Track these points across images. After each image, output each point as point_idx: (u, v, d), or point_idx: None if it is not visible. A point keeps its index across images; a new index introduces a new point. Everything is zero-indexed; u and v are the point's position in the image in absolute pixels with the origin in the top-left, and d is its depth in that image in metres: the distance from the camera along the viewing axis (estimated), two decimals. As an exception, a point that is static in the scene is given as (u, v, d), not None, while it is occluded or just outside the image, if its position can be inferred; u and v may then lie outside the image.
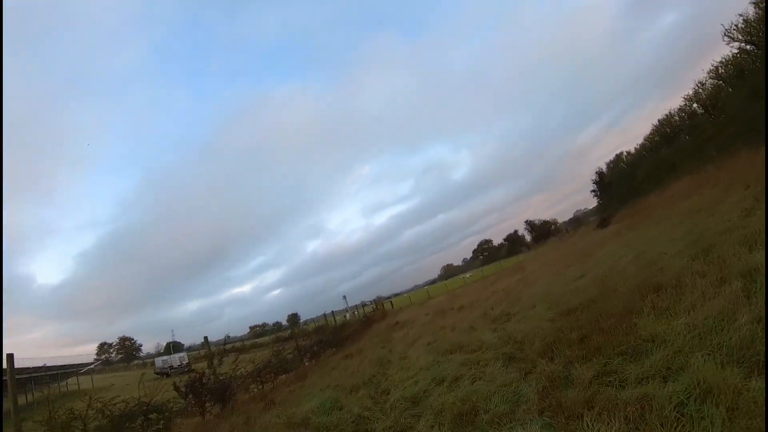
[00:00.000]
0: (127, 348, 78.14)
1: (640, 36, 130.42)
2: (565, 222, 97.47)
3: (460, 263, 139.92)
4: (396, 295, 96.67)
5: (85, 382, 34.15)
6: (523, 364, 5.88)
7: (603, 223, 37.90)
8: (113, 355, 76.57)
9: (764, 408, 2.68)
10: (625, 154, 52.30)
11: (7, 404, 7.48)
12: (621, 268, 10.14)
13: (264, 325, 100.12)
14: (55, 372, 28.26)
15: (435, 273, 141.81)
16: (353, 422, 5.92)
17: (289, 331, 36.09)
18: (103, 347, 76.72)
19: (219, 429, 7.91)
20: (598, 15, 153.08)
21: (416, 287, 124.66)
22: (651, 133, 43.56)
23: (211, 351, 12.30)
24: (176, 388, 10.05)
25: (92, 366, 31.33)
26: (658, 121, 42.09)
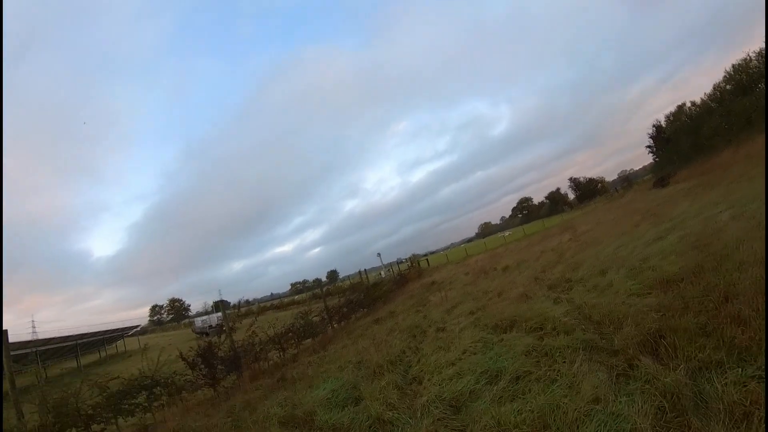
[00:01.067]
0: (177, 309, 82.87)
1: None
2: (611, 181, 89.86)
3: (498, 221, 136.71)
4: (432, 252, 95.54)
5: (132, 343, 35.78)
6: (614, 360, 3.96)
7: (661, 182, 33.57)
8: (164, 315, 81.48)
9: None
10: (688, 106, 44.98)
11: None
12: (718, 228, 7.94)
13: (304, 282, 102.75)
14: (101, 337, 29.29)
15: (472, 231, 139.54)
16: (370, 427, 4.29)
17: (325, 288, 35.45)
18: (155, 309, 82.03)
19: (219, 410, 6.65)
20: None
21: (453, 245, 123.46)
22: (722, 81, 37.07)
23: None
24: (184, 359, 8.99)
25: (138, 328, 32.45)
26: (732, 67, 35.46)
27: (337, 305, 14.70)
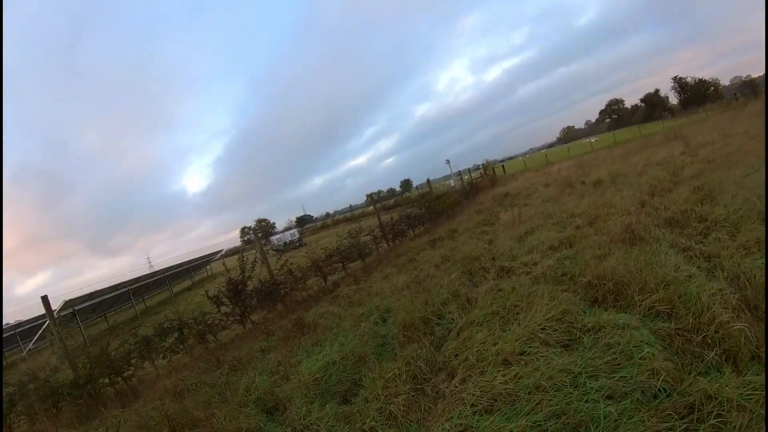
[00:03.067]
0: (263, 228, 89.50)
1: None
2: (724, 87, 68.87)
3: (583, 126, 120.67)
4: (509, 158, 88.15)
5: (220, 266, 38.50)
6: None
7: None
8: (252, 236, 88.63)
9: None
10: None
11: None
12: None
13: (379, 192, 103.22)
14: (189, 266, 31.56)
15: (553, 136, 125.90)
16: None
17: (393, 200, 34.14)
18: (244, 230, 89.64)
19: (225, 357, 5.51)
20: None
21: (532, 150, 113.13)
22: None
23: (260, 241, 9.90)
24: (209, 297, 8.11)
25: (222, 252, 34.65)
26: None
27: (392, 221, 12.92)
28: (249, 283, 8.31)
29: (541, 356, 2.89)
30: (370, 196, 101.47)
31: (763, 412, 2.12)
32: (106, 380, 6.33)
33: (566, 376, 2.58)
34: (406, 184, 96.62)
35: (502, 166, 43.40)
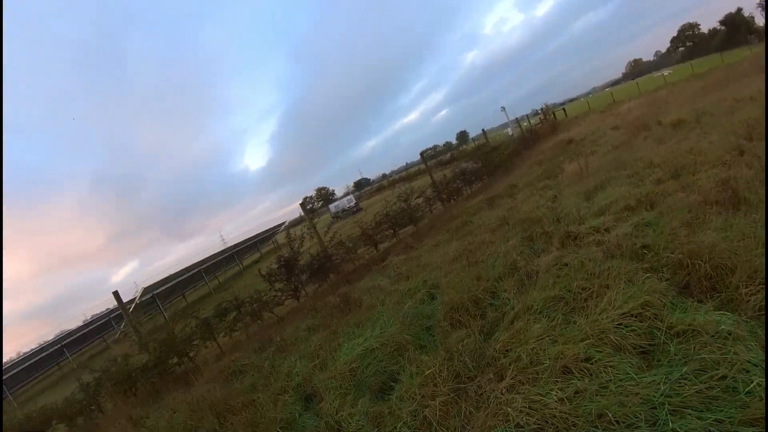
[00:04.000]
0: (323, 196, 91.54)
1: None
2: None
3: (652, 58, 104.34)
4: (570, 100, 79.86)
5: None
6: None
7: None
8: (314, 205, 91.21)
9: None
10: None
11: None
12: None
13: (434, 147, 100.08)
14: (255, 240, 32.93)
15: (618, 71, 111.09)
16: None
17: (449, 153, 32.78)
18: (305, 200, 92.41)
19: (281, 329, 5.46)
20: None
21: (594, 90, 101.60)
22: None
23: (309, 215, 9.78)
24: (261, 275, 8.22)
25: (285, 223, 35.80)
26: None
27: (445, 180, 12.16)
28: (300, 258, 8.27)
29: (611, 367, 2.24)
30: (423, 153, 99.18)
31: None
32: (174, 361, 6.71)
33: (641, 406, 1.94)
34: (463, 136, 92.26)
35: (563, 109, 39.21)
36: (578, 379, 2.25)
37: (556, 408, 2.07)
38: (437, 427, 2.34)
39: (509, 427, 2.06)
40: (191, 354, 6.99)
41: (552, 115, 29.89)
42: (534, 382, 2.33)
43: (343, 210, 32.97)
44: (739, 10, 67.07)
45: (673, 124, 9.81)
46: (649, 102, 19.64)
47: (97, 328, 26.62)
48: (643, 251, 3.46)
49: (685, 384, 1.99)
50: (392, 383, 3.11)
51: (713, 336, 2.21)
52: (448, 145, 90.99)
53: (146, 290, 16.41)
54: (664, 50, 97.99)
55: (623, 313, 2.59)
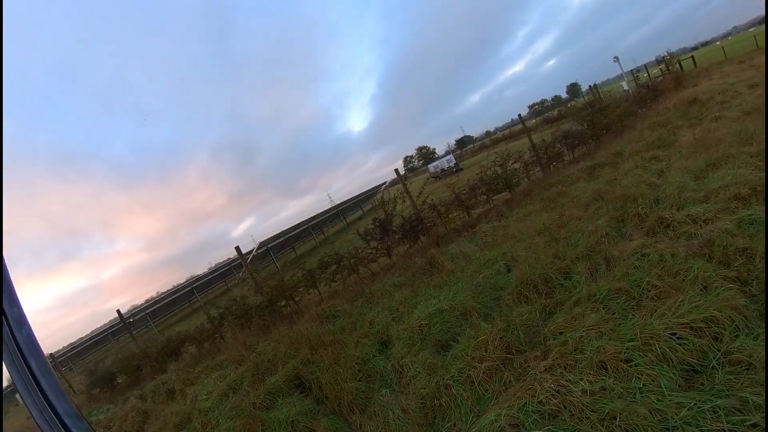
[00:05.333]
0: (424, 154, 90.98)
1: None
2: None
3: None
4: (704, 44, 64.64)
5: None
6: None
7: None
8: (415, 163, 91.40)
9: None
10: None
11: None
12: None
13: (543, 101, 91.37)
14: (358, 199, 34.53)
15: (762, 6, 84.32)
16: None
17: (557, 110, 30.09)
18: (407, 159, 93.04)
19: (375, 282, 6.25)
20: None
21: (735, 30, 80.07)
22: None
23: (405, 183, 10.25)
24: (359, 234, 9.12)
25: (386, 183, 36.72)
26: None
27: (544, 144, 11.53)
28: (394, 219, 8.90)
29: (647, 375, 2.28)
30: (533, 106, 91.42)
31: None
32: (282, 303, 8.08)
33: (655, 422, 1.99)
34: (574, 88, 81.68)
35: (692, 57, 32.11)
36: (609, 377, 2.37)
37: (577, 397, 2.27)
38: (477, 387, 2.73)
39: (533, 403, 2.35)
40: (296, 298, 8.34)
41: (677, 66, 24.89)
42: (570, 369, 2.53)
43: (443, 170, 32.80)
44: None
45: None
46: None
47: (221, 274, 31.75)
48: (736, 256, 3.12)
49: (711, 417, 1.97)
50: (452, 342, 3.55)
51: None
52: (557, 99, 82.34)
53: (262, 244, 19.04)
54: None
55: (682, 323, 2.53)
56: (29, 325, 0.94)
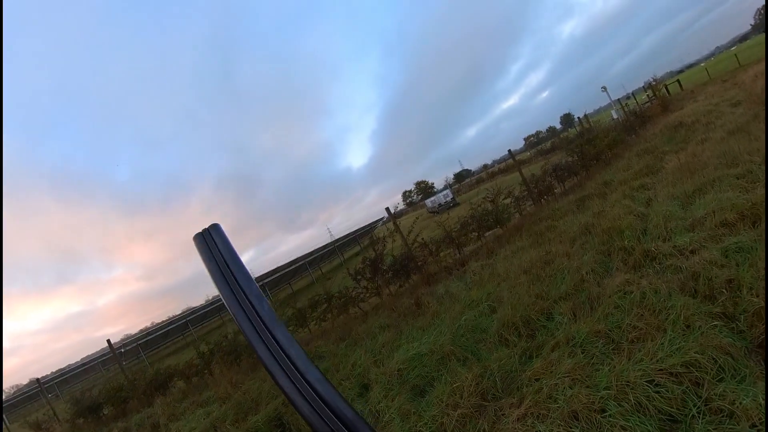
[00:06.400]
0: (423, 189, 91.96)
1: None
2: None
3: None
4: (689, 66, 67.96)
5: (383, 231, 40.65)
6: None
7: None
8: (414, 198, 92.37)
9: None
10: None
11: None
12: None
13: (537, 133, 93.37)
14: (355, 235, 34.60)
15: (746, 23, 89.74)
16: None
17: (549, 142, 30.58)
18: (406, 194, 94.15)
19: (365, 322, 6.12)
20: None
21: (718, 49, 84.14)
22: None
23: (396, 222, 10.27)
24: (349, 273, 9.04)
25: (384, 218, 36.94)
26: None
27: (534, 178, 11.63)
28: (385, 258, 8.86)
29: (620, 427, 2.16)
30: (528, 138, 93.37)
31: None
32: None
33: None
34: (567, 118, 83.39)
35: (678, 81, 33.00)
36: (579, 430, 2.24)
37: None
38: (449, 436, 2.60)
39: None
40: (286, 337, 8.28)
41: (664, 90, 25.43)
42: (542, 418, 2.41)
43: (440, 205, 32.97)
44: None
45: None
46: None
47: (217, 308, 31.26)
48: (722, 290, 3.01)
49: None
50: (429, 388, 3.42)
51: (753, 428, 1.94)
52: (552, 130, 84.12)
53: (257, 279, 18.99)
54: None
55: (661, 369, 2.41)
56: None
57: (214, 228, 0.85)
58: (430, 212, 34.07)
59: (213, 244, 0.83)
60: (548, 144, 29.94)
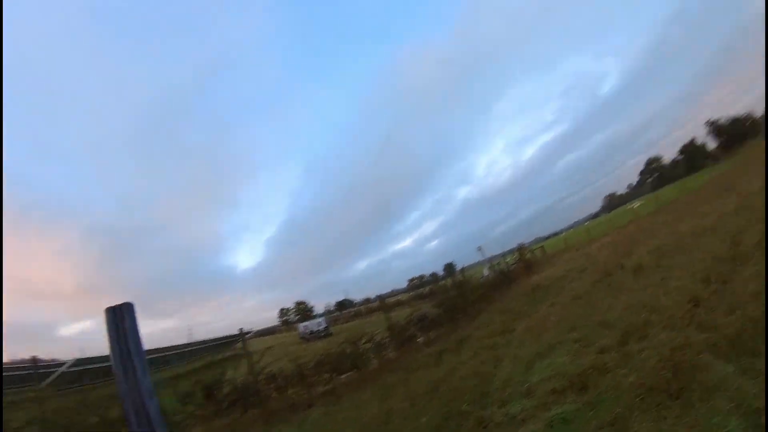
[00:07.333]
0: (302, 311, 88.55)
1: None
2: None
3: (625, 190, 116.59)
4: (554, 234, 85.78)
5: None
6: None
7: None
8: (291, 317, 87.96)
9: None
10: None
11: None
12: None
13: (421, 277, 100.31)
14: (217, 343, 31.01)
15: (597, 205, 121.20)
16: None
17: (427, 288, 32.48)
18: (283, 311, 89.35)
19: None
20: None
21: (576, 223, 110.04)
22: None
23: (245, 346, 9.30)
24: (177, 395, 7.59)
25: (250, 333, 34.06)
26: None
27: (398, 325, 11.82)
28: (225, 386, 7.75)
29: None
30: (411, 280, 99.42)
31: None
32: None
33: None
34: (450, 267, 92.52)
35: (542, 246, 40.35)
36: None
37: None
38: None
39: None
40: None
41: (531, 254, 30.18)
42: None
43: (311, 332, 31.58)
44: (693, 140, 76.81)
45: (633, 269, 9.58)
46: (617, 240, 20.47)
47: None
48: None
49: None
50: None
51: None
52: (434, 276, 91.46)
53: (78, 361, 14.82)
54: (635, 183, 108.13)
55: None
56: None
57: (128, 308, 0.86)
58: (301, 338, 32.18)
59: (122, 325, 0.87)
60: (426, 289, 31.81)
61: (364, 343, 10.58)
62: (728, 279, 5.55)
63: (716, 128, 69.11)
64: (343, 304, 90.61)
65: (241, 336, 9.55)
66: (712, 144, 73.15)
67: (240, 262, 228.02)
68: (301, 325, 36.23)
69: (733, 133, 64.13)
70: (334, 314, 65.53)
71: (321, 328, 32.32)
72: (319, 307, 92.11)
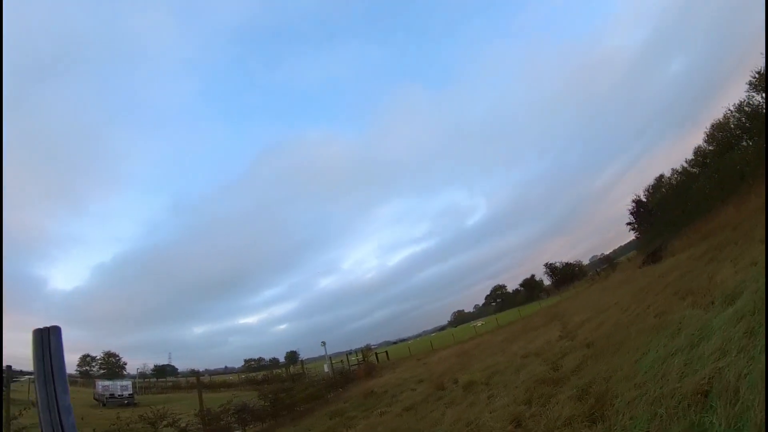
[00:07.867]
0: (111, 364, 72.12)
1: (653, 79, 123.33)
2: (585, 265, 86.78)
3: (472, 309, 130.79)
4: (402, 340, 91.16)
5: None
6: None
7: (653, 257, 27.31)
8: (95, 369, 71.12)
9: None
10: (668, 176, 40.44)
11: None
12: None
13: (260, 359, 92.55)
14: None
15: (446, 318, 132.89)
16: None
17: (261, 374, 30.03)
18: (86, 359, 71.09)
19: None
20: (611, 62, 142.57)
21: (424, 333, 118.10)
22: (703, 143, 33.93)
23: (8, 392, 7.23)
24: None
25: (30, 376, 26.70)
26: (711, 126, 32.28)
27: (212, 412, 10.49)
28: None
29: None
30: (248, 361, 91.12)
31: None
32: None
33: None
34: (292, 356, 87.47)
35: (386, 351, 41.56)
36: None
37: None
38: None
39: None
40: None
41: (374, 357, 30.58)
42: None
43: (111, 395, 25.83)
44: (533, 276, 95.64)
45: (465, 386, 9.79)
46: (457, 353, 21.66)
47: None
48: None
49: None
50: None
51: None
52: (274, 362, 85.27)
53: None
54: (481, 304, 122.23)
55: None
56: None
57: (55, 331, 1.08)
58: (96, 399, 26.17)
59: (47, 347, 1.05)
60: (260, 375, 29.47)
61: (164, 426, 9.07)
62: (547, 402, 5.90)
63: (552, 269, 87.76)
64: (163, 371, 76.41)
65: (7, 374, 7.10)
66: (547, 281, 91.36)
67: (54, 279, 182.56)
68: (101, 384, 29.20)
69: (564, 275, 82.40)
70: (149, 380, 55.53)
71: (126, 393, 26.57)
72: (133, 366, 76.14)
